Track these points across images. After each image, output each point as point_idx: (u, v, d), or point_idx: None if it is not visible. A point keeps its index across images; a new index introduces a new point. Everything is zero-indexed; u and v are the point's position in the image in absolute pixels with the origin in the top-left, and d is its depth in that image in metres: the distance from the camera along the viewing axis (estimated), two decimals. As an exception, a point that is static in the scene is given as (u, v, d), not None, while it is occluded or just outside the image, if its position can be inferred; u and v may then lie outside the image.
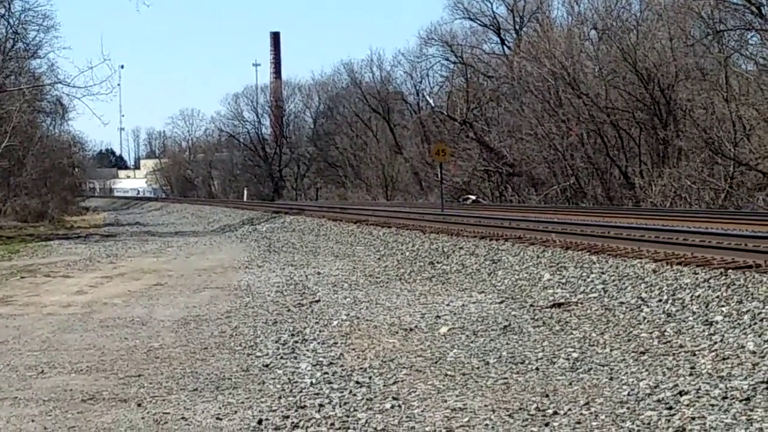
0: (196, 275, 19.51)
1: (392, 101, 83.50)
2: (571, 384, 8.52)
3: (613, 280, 13.79)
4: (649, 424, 7.13)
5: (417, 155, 71.20)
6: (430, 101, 74.60)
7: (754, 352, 9.17)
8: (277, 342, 11.01)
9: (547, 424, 7.24)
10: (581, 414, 7.46)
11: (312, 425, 7.41)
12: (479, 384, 8.64)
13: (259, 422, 7.50)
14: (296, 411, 7.79)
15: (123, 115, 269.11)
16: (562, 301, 13.27)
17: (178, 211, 68.61)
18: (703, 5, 39.63)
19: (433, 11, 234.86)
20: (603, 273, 14.43)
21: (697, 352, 9.51)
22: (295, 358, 10.05)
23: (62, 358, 10.41)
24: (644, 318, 11.49)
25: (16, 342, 11.57)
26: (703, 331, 10.36)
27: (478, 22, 67.79)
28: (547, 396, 8.09)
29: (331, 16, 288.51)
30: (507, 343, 10.62)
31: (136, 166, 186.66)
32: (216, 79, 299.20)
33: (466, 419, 7.44)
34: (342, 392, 8.40)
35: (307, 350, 10.46)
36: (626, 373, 8.85)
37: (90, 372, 9.62)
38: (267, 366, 9.66)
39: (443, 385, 8.59)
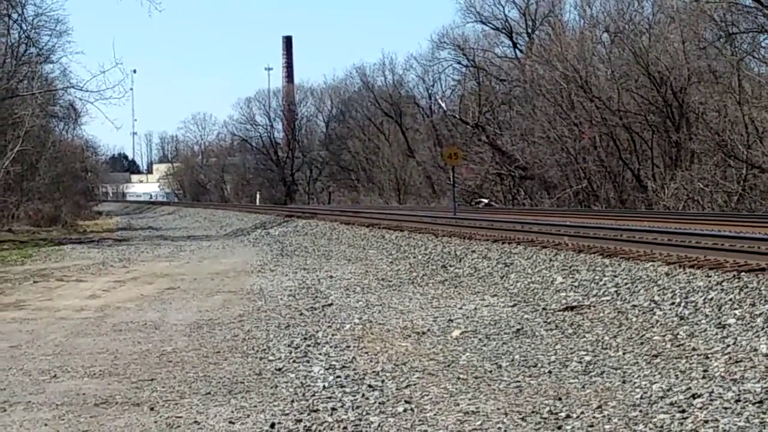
0: (208, 279, 19.54)
1: (404, 105, 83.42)
2: (583, 387, 8.51)
3: (626, 283, 13.75)
4: (662, 427, 7.12)
5: (429, 159, 71.12)
6: (443, 105, 74.52)
7: (767, 355, 9.14)
8: (289, 346, 11.01)
9: (559, 428, 7.23)
10: (594, 417, 7.45)
11: (325, 429, 7.41)
12: (492, 387, 8.63)
13: (272, 426, 7.51)
14: (309, 415, 7.79)
15: (136, 120, 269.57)
16: (575, 304, 13.25)
17: (190, 215, 68.75)
18: (716, 8, 39.52)
19: (445, 15, 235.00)
20: (616, 276, 14.40)
21: (710, 355, 9.49)
22: (308, 361, 10.05)
23: (75, 362, 10.43)
24: (657, 321, 11.47)
25: (29, 346, 11.60)
26: (716, 334, 10.33)
27: (491, 25, 67.79)
28: (560, 399, 8.08)
29: (343, 20, 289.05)
30: (519, 347, 10.61)
31: (149, 171, 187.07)
32: (228, 83, 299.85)
33: (479, 422, 7.44)
34: (354, 396, 8.39)
35: (320, 354, 10.47)
36: (639, 376, 8.83)
37: (103, 376, 9.64)
38: (280, 370, 9.66)
39: (456, 389, 8.59)
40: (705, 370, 8.86)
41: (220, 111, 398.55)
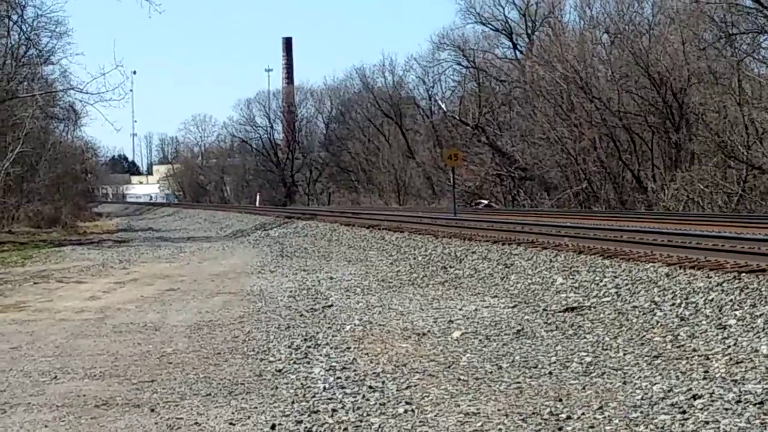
0: (208, 280, 19.53)
1: (404, 106, 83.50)
2: (584, 388, 8.51)
3: (626, 284, 13.75)
4: (662, 428, 7.11)
5: (429, 160, 71.19)
6: (443, 106, 74.58)
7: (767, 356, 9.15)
8: (290, 347, 11.01)
9: (560, 429, 7.23)
10: (594, 418, 7.45)
11: (325, 430, 7.40)
12: (492, 388, 8.63)
13: (273, 427, 7.50)
14: (309, 416, 7.79)
15: (135, 121, 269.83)
16: (575, 305, 13.25)
17: (190, 216, 68.73)
18: (716, 9, 39.55)
19: (445, 16, 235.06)
20: (616, 277, 14.40)
21: (710, 356, 9.49)
22: (308, 363, 10.04)
23: (75, 363, 10.42)
24: (657, 322, 11.47)
25: (29, 347, 11.59)
26: (717, 334, 10.33)
27: (491, 26, 67.87)
28: (561, 400, 8.08)
29: (344, 21, 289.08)
30: (520, 348, 10.61)
31: (149, 172, 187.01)
32: (228, 84, 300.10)
33: (480, 424, 7.43)
34: (355, 397, 8.39)
35: (320, 355, 10.46)
36: (640, 377, 8.83)
37: (103, 377, 9.63)
38: (280, 371, 9.66)
39: (456, 390, 8.58)
40: (706, 371, 8.86)
41: (220, 112, 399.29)
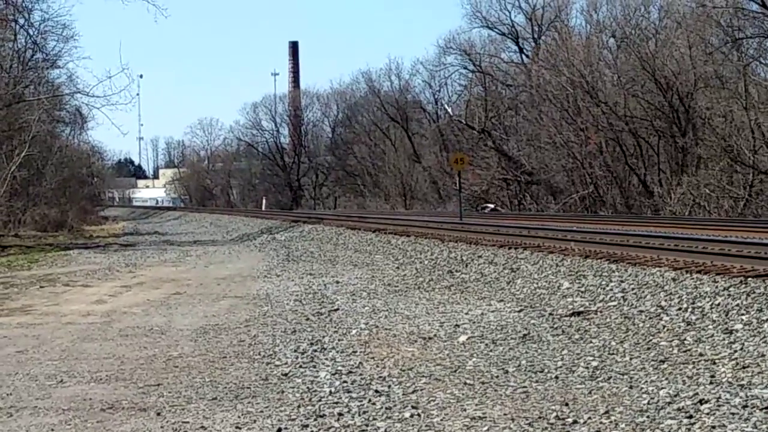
0: (215, 284, 19.54)
1: (411, 110, 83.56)
2: (590, 392, 8.50)
3: (633, 289, 13.74)
4: (669, 433, 7.11)
5: (435, 164, 71.22)
6: (449, 110, 74.63)
7: (774, 361, 9.13)
8: (296, 351, 11.01)
9: (566, 433, 7.23)
10: (601, 423, 7.44)
11: (331, 434, 7.41)
12: (498, 393, 8.62)
13: (279, 431, 7.50)
14: (315, 420, 7.78)
15: (142, 125, 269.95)
16: (582, 309, 13.23)
17: (196, 220, 68.78)
18: (722, 13, 39.55)
19: (451, 20, 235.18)
20: (622, 281, 14.38)
21: (717, 361, 9.47)
22: (314, 367, 10.04)
23: (82, 367, 10.43)
24: (664, 326, 11.45)
25: (35, 351, 11.60)
26: (723, 339, 10.31)
27: (497, 30, 67.87)
28: (567, 405, 8.07)
29: (350, 25, 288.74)
30: (526, 352, 10.60)
31: (155, 176, 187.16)
32: (234, 88, 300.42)
33: (486, 428, 7.42)
34: (361, 401, 8.38)
35: (326, 359, 10.46)
36: (646, 381, 8.82)
37: (109, 381, 9.64)
38: (286, 375, 9.65)
39: (462, 394, 8.58)
40: (712, 376, 8.84)
41: (226, 116, 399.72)
